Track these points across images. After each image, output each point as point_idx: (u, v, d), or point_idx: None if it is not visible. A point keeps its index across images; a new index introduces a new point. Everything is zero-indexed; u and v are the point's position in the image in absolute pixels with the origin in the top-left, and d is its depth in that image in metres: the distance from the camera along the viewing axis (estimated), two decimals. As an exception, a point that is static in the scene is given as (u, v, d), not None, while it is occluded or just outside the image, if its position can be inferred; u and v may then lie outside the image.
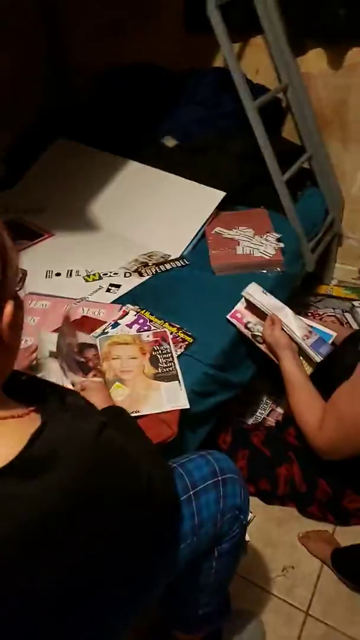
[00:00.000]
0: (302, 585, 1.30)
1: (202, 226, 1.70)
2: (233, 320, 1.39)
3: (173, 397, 1.17)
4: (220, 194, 1.74)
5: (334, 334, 1.40)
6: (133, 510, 0.65)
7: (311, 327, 1.40)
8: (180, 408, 1.16)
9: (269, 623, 1.23)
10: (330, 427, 1.21)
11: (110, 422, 0.64)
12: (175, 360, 1.24)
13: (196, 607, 1.00)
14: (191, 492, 0.87)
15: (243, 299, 1.41)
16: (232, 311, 1.40)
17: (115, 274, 1.56)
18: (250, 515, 1.44)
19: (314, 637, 1.21)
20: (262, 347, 1.39)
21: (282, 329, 1.35)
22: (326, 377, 1.31)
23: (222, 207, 1.75)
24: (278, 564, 1.35)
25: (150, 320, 1.35)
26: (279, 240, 1.66)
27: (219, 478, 0.91)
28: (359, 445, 1.18)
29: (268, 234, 1.68)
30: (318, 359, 1.32)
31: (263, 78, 1.93)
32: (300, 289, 2.15)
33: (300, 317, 1.43)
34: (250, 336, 1.39)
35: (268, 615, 1.25)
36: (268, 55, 1.82)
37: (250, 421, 1.65)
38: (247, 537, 1.37)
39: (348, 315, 2.03)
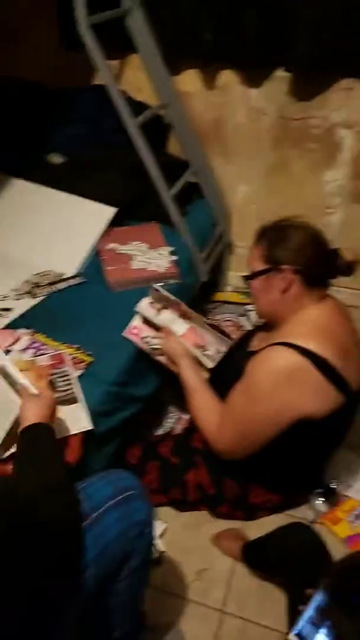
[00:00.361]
0: (216, 585, 1.35)
1: (95, 243, 1.70)
2: (129, 337, 1.41)
3: (75, 421, 1.16)
4: (111, 210, 1.75)
5: (229, 341, 1.47)
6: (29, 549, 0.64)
7: (207, 331, 1.46)
8: (83, 430, 1.15)
9: (187, 628, 1.26)
10: (228, 428, 1.27)
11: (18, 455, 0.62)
12: (75, 382, 1.23)
13: (110, 630, 1.00)
14: (93, 517, 0.87)
15: (138, 314, 1.44)
16: (128, 327, 1.42)
17: (5, 297, 1.51)
18: (163, 526, 1.46)
19: (230, 633, 1.26)
20: (161, 358, 1.43)
21: (177, 339, 1.40)
22: (222, 381, 1.37)
23: (114, 222, 1.76)
24: (193, 569, 1.39)
25: (44, 344, 1.32)
26: (172, 253, 1.71)
27: (122, 496, 0.92)
28: (256, 442, 1.26)
29: (161, 248, 1.73)
30: (210, 365, 1.38)
31: (147, 95, 1.98)
32: (198, 296, 2.23)
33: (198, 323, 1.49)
34: (148, 350, 1.42)
35: (185, 621, 1.28)
36: (146, 73, 1.87)
37: (160, 432, 1.68)
38: (162, 548, 1.40)
39: (243, 319, 2.14)
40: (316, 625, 0.97)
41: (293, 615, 1.02)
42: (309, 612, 0.99)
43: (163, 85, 1.85)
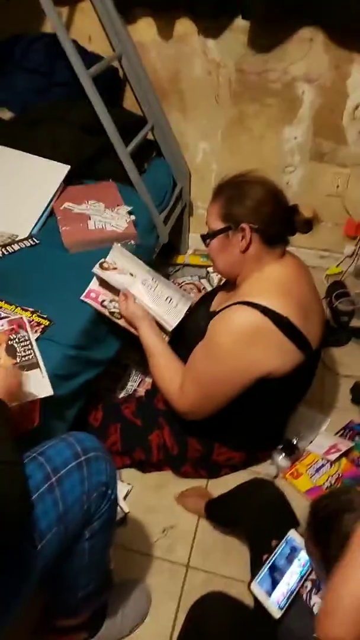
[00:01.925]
0: (181, 541, 1.37)
1: (50, 202, 1.63)
2: (88, 301, 1.37)
3: (36, 386, 1.12)
4: (65, 168, 1.67)
5: (192, 297, 1.45)
6: None
7: (169, 290, 1.44)
8: (44, 396, 1.12)
9: (153, 584, 1.28)
10: (190, 389, 1.26)
11: None
12: (35, 347, 1.19)
13: (75, 591, 1.00)
14: (53, 479, 0.86)
15: (95, 277, 1.39)
16: (86, 291, 1.38)
17: None
18: (128, 487, 1.47)
19: (195, 586, 1.28)
20: (121, 322, 1.40)
21: (136, 301, 1.37)
22: (184, 342, 1.36)
23: (68, 181, 1.69)
24: (158, 528, 1.40)
25: (1, 307, 1.27)
26: (130, 212, 1.66)
27: (82, 459, 0.90)
28: (218, 402, 1.26)
29: (118, 207, 1.67)
30: (170, 327, 1.37)
31: (97, 45, 1.88)
32: (158, 260, 2.19)
33: (161, 281, 1.46)
34: (107, 313, 1.39)
35: (151, 577, 1.30)
36: (99, 21, 1.76)
37: (122, 394, 1.66)
38: (126, 509, 1.41)
39: (204, 281, 2.13)
40: (280, 570, 1.01)
41: (257, 565, 1.05)
42: (273, 559, 1.02)
43: (116, 35, 1.75)
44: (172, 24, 1.84)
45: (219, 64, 1.89)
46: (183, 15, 1.82)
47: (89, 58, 1.69)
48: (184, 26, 1.84)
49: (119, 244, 1.43)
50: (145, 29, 1.87)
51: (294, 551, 1.03)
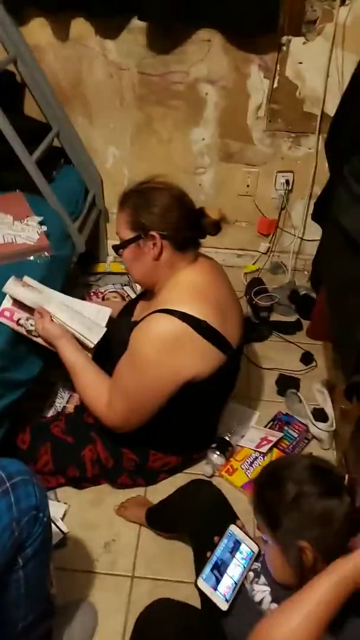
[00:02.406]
0: (124, 554, 1.36)
1: None
2: (2, 320, 1.31)
3: None
4: (-35, 181, 1.59)
5: (109, 310, 1.43)
6: None
7: (86, 306, 1.41)
8: None
9: (99, 601, 1.26)
10: (118, 403, 1.25)
11: None
12: None
13: (15, 623, 0.95)
14: None
15: (8, 295, 1.33)
16: (0, 310, 1.32)
17: None
18: (64, 507, 1.43)
19: (142, 595, 1.27)
20: (39, 340, 1.34)
21: (52, 319, 1.33)
22: (108, 353, 1.34)
23: (-29, 194, 1.61)
24: (100, 543, 1.38)
25: None
26: (41, 223, 1.60)
27: (8, 484, 0.86)
28: (147, 412, 1.26)
29: (28, 218, 1.60)
30: (92, 344, 1.34)
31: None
32: (78, 270, 2.15)
33: (75, 300, 1.42)
34: (25, 332, 1.33)
35: (97, 594, 1.28)
36: (-11, 24, 1.68)
37: (51, 413, 1.61)
38: (65, 529, 1.37)
39: (128, 289, 2.11)
40: (224, 564, 1.03)
41: (202, 563, 1.06)
42: (216, 555, 1.04)
43: (8, 36, 1.68)
44: (67, 24, 1.80)
45: (120, 66, 1.88)
46: (77, 15, 1.78)
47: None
48: (80, 27, 1.81)
49: (14, 278, 1.36)
50: (39, 31, 1.81)
51: (235, 544, 1.05)
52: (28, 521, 0.87)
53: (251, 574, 1.03)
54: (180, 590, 1.24)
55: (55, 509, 1.39)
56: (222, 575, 1.01)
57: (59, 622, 1.15)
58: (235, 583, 1.01)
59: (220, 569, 1.02)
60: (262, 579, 1.02)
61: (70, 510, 1.43)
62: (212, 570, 1.02)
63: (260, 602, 0.99)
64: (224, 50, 1.81)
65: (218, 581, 1.01)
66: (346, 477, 0.89)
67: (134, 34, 1.80)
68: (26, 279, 1.37)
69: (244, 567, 1.03)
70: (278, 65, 1.83)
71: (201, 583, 1.01)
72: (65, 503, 1.44)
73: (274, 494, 0.92)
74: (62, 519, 1.40)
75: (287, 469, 0.93)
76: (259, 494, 0.97)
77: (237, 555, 1.04)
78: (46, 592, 1.04)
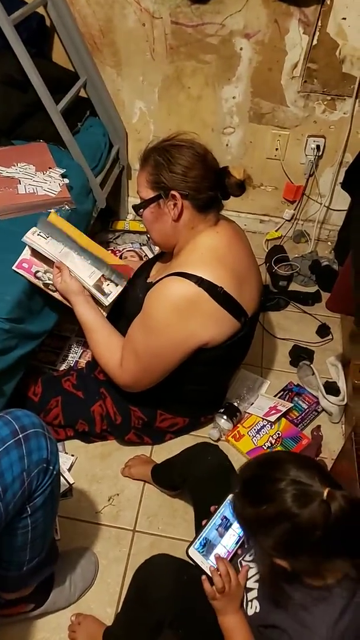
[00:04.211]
0: (127, 508, 1.39)
1: (-26, 165, 1.52)
2: (20, 271, 1.30)
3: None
4: (-11, 128, 1.56)
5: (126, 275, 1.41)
6: None
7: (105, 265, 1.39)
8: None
9: (100, 551, 1.30)
10: (130, 362, 1.25)
11: None
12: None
13: (20, 566, 0.99)
14: None
15: (27, 246, 1.32)
16: (18, 261, 1.31)
17: None
18: (72, 458, 1.46)
19: (142, 549, 1.32)
20: (56, 295, 1.34)
21: (71, 275, 1.32)
22: (122, 313, 1.33)
23: (-6, 142, 1.58)
24: (104, 496, 1.41)
25: None
26: (63, 175, 1.58)
27: (20, 436, 0.88)
28: (159, 374, 1.26)
29: (51, 170, 1.58)
30: (107, 302, 1.33)
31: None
32: (98, 226, 2.12)
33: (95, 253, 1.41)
34: (42, 285, 1.33)
35: (98, 544, 1.32)
36: None
37: (63, 367, 1.63)
38: (71, 480, 1.40)
39: (145, 248, 2.08)
40: (218, 533, 1.04)
41: (198, 530, 1.08)
42: (211, 525, 1.04)
43: (40, -24, 1.61)
44: (101, -34, 1.72)
45: (153, 15, 1.79)
46: None
47: (10, 2, 1.54)
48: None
49: (45, 218, 1.35)
50: (71, -30, 1.73)
51: (232, 516, 1.05)
52: (38, 473, 0.89)
53: (240, 550, 1.03)
54: (180, 548, 1.26)
55: (63, 461, 1.42)
56: (214, 546, 1.02)
57: (61, 567, 1.19)
58: (228, 554, 1.02)
59: (213, 539, 1.03)
60: (250, 556, 1.02)
61: (78, 462, 1.47)
62: (204, 540, 1.03)
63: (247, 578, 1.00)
64: (263, 1, 1.72)
65: (210, 551, 1.02)
66: (325, 491, 0.78)
67: (170, -21, 1.71)
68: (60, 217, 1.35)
69: (239, 537, 1.03)
70: (320, 21, 1.73)
71: (192, 552, 1.02)
72: (72, 455, 1.47)
73: (252, 511, 0.86)
74: (69, 470, 1.44)
75: (270, 483, 0.83)
76: (239, 505, 0.91)
77: (233, 526, 1.04)
78: (50, 539, 1.08)
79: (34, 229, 1.34)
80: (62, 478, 1.37)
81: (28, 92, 1.58)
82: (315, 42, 1.77)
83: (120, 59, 1.91)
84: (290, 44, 1.80)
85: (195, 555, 1.01)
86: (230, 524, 1.04)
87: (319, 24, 1.74)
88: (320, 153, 2.01)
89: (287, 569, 0.83)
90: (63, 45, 1.78)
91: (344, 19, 1.71)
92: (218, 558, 1.00)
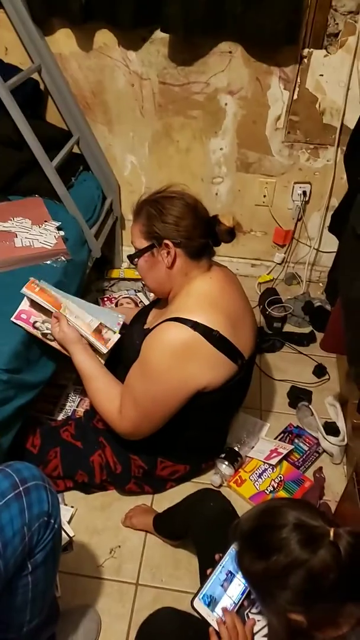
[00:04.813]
0: (129, 560, 1.35)
1: (-28, 221, 1.57)
2: (19, 322, 1.32)
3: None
4: (-14, 185, 1.62)
5: (122, 316, 1.44)
6: None
7: (100, 312, 1.42)
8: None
9: (103, 607, 1.26)
10: (129, 409, 1.25)
11: None
12: None
13: (19, 628, 0.95)
14: None
15: (26, 297, 1.35)
16: (17, 312, 1.33)
17: None
18: (71, 510, 1.43)
19: (146, 604, 1.27)
20: (54, 344, 1.36)
21: (69, 324, 1.34)
22: (120, 360, 1.34)
23: (-8, 198, 1.63)
24: (105, 549, 1.37)
25: None
26: (58, 228, 1.62)
27: (21, 489, 0.87)
28: (158, 421, 1.25)
29: (46, 223, 1.63)
30: (104, 350, 1.35)
31: (14, 57, 1.83)
32: (93, 275, 2.17)
33: (90, 304, 1.44)
34: (40, 335, 1.35)
35: (101, 600, 1.27)
36: (14, 32, 1.72)
37: (61, 416, 1.62)
38: (71, 533, 1.37)
39: (141, 295, 2.12)
40: (224, 585, 1.01)
41: (203, 580, 1.05)
42: (215, 574, 1.02)
43: (34, 46, 1.72)
44: (91, 35, 1.83)
45: (141, 76, 1.90)
46: (102, 27, 1.81)
47: (6, 70, 1.64)
48: (104, 37, 1.83)
49: (32, 280, 1.37)
50: (64, 40, 1.84)
51: (236, 567, 1.02)
52: (39, 526, 0.87)
53: (245, 602, 1.00)
54: (184, 601, 1.22)
55: (63, 513, 1.38)
56: (220, 597, 0.99)
57: (63, 627, 1.15)
58: (235, 604, 0.99)
59: (218, 589, 1.00)
60: (257, 609, 0.99)
61: (77, 514, 1.44)
62: (210, 590, 1.00)
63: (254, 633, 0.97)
64: (244, 61, 1.83)
65: (216, 602, 0.99)
66: (331, 531, 0.77)
67: (156, 45, 1.82)
68: (42, 283, 1.39)
69: (245, 587, 1.00)
70: (299, 77, 1.84)
71: (197, 603, 0.99)
72: (72, 507, 1.44)
73: (262, 564, 0.81)
74: (69, 522, 1.41)
75: (272, 532, 0.81)
76: (245, 561, 0.86)
77: (238, 575, 1.01)
78: (51, 597, 1.04)
79: (31, 279, 1.37)
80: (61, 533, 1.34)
81: (24, 151, 1.65)
82: (295, 96, 1.88)
83: (111, 117, 2.01)
84: (272, 99, 1.90)
85: (200, 607, 0.98)
86: (235, 576, 1.02)
87: (299, 80, 1.85)
88: (307, 198, 2.09)
89: (304, 623, 0.80)
90: (56, 106, 1.87)
91: (322, 75, 1.82)
92: (225, 610, 0.97)
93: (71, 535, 1.38)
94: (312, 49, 1.78)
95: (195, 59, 1.84)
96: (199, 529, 1.22)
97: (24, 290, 1.34)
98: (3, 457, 1.27)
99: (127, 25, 1.74)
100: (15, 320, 1.33)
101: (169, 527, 1.35)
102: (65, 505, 1.44)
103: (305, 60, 1.80)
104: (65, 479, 1.44)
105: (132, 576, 1.33)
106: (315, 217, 2.15)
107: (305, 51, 1.78)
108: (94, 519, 1.43)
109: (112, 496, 1.48)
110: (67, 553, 1.35)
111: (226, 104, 1.93)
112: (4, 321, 1.33)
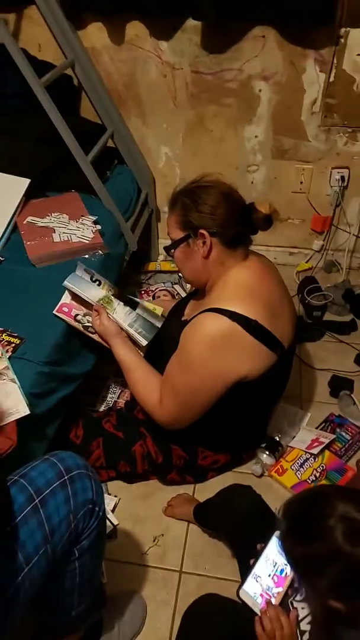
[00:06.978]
0: (172, 548, 1.37)
1: (12, 218, 1.60)
2: (60, 315, 1.35)
3: (11, 407, 1.11)
4: (24, 182, 1.65)
5: (160, 309, 1.45)
6: None
7: (139, 306, 1.43)
8: (21, 416, 1.10)
9: (148, 594, 1.28)
10: (169, 401, 1.26)
11: None
12: (8, 366, 1.17)
13: (68, 611, 0.99)
14: (37, 501, 0.84)
15: (67, 290, 1.37)
16: (58, 305, 1.36)
17: None
18: (115, 499, 1.46)
19: (190, 591, 1.28)
20: (95, 337, 1.38)
21: (109, 317, 1.36)
22: (159, 352, 1.35)
23: (29, 194, 1.66)
24: (149, 537, 1.40)
25: (-32, 330, 1.24)
26: (95, 222, 1.64)
27: (66, 477, 0.89)
28: (197, 411, 1.26)
29: (83, 218, 1.65)
30: (144, 342, 1.36)
31: (48, 54, 1.86)
32: (130, 268, 2.18)
33: (131, 297, 1.45)
34: (81, 328, 1.37)
35: (146, 587, 1.30)
36: (47, 28, 1.74)
37: (102, 407, 1.65)
38: (115, 521, 1.40)
39: (177, 287, 2.12)
40: (267, 572, 1.01)
41: (244, 570, 1.05)
42: (259, 564, 1.02)
43: (67, 41, 1.74)
44: (122, 27, 1.83)
45: (173, 66, 1.89)
46: (133, 18, 1.81)
47: (40, 67, 1.66)
48: (135, 29, 1.83)
49: (74, 274, 1.40)
50: (96, 34, 1.85)
51: (279, 555, 1.02)
52: (84, 514, 0.90)
53: (290, 590, 0.99)
54: (227, 588, 1.23)
55: (107, 502, 1.42)
56: (265, 585, 0.99)
57: (110, 612, 1.17)
58: (279, 592, 0.98)
59: (263, 577, 1.00)
60: (301, 596, 0.98)
61: (121, 503, 1.46)
62: (254, 579, 1.00)
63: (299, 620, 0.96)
64: (278, 45, 1.79)
65: (262, 591, 0.98)
66: None
67: (188, 34, 1.80)
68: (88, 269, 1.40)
69: (289, 575, 0.99)
70: (335, 58, 1.78)
71: (243, 593, 0.99)
72: (115, 496, 1.47)
73: (302, 549, 0.82)
74: (113, 511, 1.44)
75: (318, 520, 0.80)
76: (287, 544, 0.86)
77: (282, 563, 1.01)
78: (98, 582, 1.07)
79: (73, 273, 1.39)
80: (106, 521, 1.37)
81: (59, 146, 1.68)
82: (332, 78, 1.82)
83: (144, 109, 2.01)
84: (308, 82, 1.85)
85: (245, 597, 0.99)
86: (278, 565, 1.01)
87: (335, 61, 1.79)
88: (346, 184, 2.03)
89: (342, 610, 0.79)
90: (90, 100, 1.88)
91: (359, 54, 1.76)
92: (268, 603, 0.96)
93: (115, 523, 1.40)
94: (348, 28, 1.72)
95: (227, 45, 1.81)
96: (231, 527, 1.23)
97: (66, 283, 1.37)
98: (48, 448, 1.30)
99: (158, 14, 1.73)
100: (57, 313, 1.36)
101: (206, 519, 1.36)
102: (109, 494, 1.47)
103: (342, 40, 1.74)
104: (108, 469, 1.47)
105: (175, 564, 1.34)
106: (355, 203, 2.09)
107: (342, 30, 1.72)
108: (136, 508, 1.46)
109: (154, 486, 1.50)
110: (112, 541, 1.38)
111: (260, 90, 1.90)
112: (45, 315, 1.36)
